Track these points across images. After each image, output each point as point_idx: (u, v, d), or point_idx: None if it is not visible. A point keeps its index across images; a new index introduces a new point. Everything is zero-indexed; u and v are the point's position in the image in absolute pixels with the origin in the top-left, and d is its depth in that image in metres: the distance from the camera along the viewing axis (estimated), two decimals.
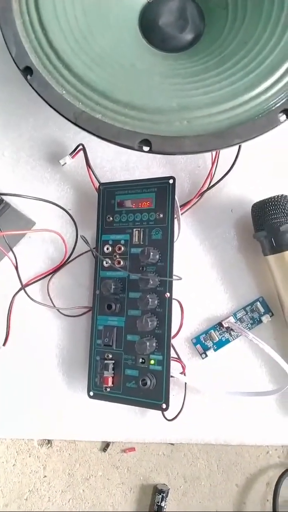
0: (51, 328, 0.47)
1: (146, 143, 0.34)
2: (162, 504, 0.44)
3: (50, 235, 0.47)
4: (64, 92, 0.35)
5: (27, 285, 0.46)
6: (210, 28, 0.40)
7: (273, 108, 0.34)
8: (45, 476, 0.45)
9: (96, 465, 0.45)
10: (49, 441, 0.46)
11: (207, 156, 0.46)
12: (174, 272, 0.41)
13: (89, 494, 0.45)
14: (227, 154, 0.45)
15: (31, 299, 0.45)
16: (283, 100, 0.34)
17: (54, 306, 0.46)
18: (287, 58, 0.35)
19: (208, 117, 0.34)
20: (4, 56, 0.49)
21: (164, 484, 0.45)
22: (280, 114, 0.34)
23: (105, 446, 0.45)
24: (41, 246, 0.48)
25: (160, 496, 0.44)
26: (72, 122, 0.34)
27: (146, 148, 0.34)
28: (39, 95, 0.35)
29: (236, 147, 0.44)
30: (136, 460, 0.45)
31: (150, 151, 0.34)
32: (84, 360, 0.46)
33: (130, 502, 0.44)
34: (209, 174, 0.45)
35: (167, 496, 0.44)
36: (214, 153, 0.44)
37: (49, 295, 0.47)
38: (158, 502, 0.44)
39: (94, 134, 0.34)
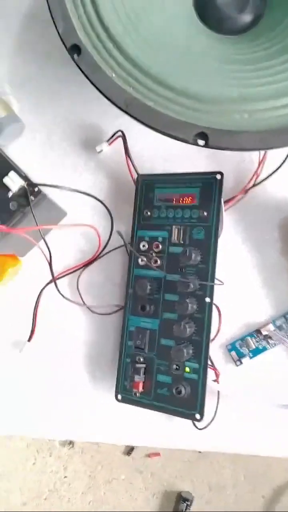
0: (79, 324, 0.45)
1: (202, 137, 0.31)
2: None
3: (81, 227, 0.45)
4: (114, 75, 0.32)
5: (57, 278, 0.44)
6: (272, 8, 0.37)
7: None
8: (66, 477, 0.44)
9: (119, 469, 0.43)
10: (71, 442, 0.44)
11: (253, 154, 0.43)
12: (216, 277, 0.39)
13: (111, 497, 0.43)
14: (274, 152, 0.41)
15: (61, 295, 0.42)
16: None
17: (84, 303, 0.43)
18: None
19: (273, 111, 0.31)
20: (45, 31, 0.46)
21: (189, 492, 0.44)
22: None
23: (129, 450, 0.44)
24: (72, 238, 0.45)
25: (185, 504, 0.42)
26: (123, 110, 0.31)
27: (201, 142, 0.31)
28: (87, 77, 0.31)
29: None
30: (160, 466, 0.44)
31: (206, 146, 0.31)
32: (112, 360, 0.44)
33: (152, 508, 0.43)
34: (256, 171, 0.42)
35: (191, 504, 0.43)
36: (262, 151, 0.41)
37: (78, 290, 0.44)
38: (182, 510, 0.42)
39: (145, 124, 0.31)
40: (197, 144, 0.31)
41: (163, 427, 0.43)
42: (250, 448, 0.43)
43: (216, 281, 0.38)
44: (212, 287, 0.38)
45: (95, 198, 0.44)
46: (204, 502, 0.43)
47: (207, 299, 0.38)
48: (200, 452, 0.44)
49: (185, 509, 0.43)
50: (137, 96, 0.31)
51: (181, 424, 0.43)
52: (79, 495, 0.44)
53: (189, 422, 0.40)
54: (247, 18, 0.37)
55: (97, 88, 0.31)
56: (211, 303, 0.38)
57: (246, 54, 0.35)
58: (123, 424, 0.44)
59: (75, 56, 0.32)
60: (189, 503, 0.43)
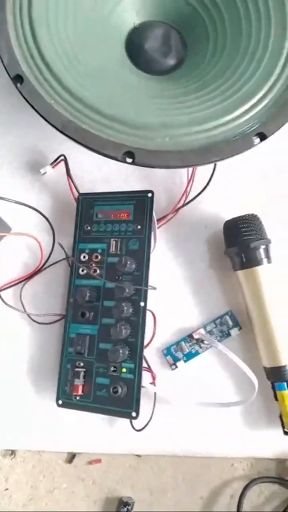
0: (22, 335, 0.47)
1: (129, 155, 0.36)
2: None
3: (25, 241, 0.47)
4: (53, 102, 0.36)
5: (0, 290, 0.46)
6: (192, 56, 0.43)
7: (248, 131, 0.37)
8: (7, 489, 0.44)
9: (61, 477, 0.44)
10: (12, 452, 0.45)
11: (183, 174, 0.48)
12: (149, 284, 0.42)
13: (53, 507, 0.44)
14: (202, 173, 0.47)
15: (5, 302, 0.44)
16: (257, 125, 0.37)
17: (25, 311, 0.45)
18: (261, 88, 0.38)
19: (189, 135, 0.36)
20: None
21: (130, 497, 0.45)
22: (255, 137, 0.37)
23: (71, 457, 0.45)
24: (15, 251, 0.48)
25: (125, 508, 0.44)
26: (60, 131, 0.36)
27: (129, 160, 0.36)
28: (28, 103, 0.36)
29: (212, 166, 0.46)
30: (102, 472, 0.45)
31: (133, 163, 0.35)
32: (54, 369, 0.45)
33: None
34: (184, 191, 0.47)
35: (132, 508, 0.44)
36: (190, 171, 0.46)
37: (21, 301, 0.46)
38: None
39: (80, 144, 0.35)
40: (125, 161, 0.36)
41: (104, 433, 0.45)
42: (187, 450, 0.45)
43: (149, 287, 0.42)
44: (146, 292, 0.42)
45: (38, 211, 0.47)
46: (145, 506, 0.45)
47: (142, 303, 0.42)
48: (139, 456, 0.45)
49: None
50: (73, 120, 0.36)
51: (121, 428, 0.45)
52: (20, 507, 0.44)
53: (128, 426, 0.42)
54: (171, 62, 0.44)
55: (37, 112, 0.36)
56: (145, 307, 0.42)
57: (169, 90, 0.41)
58: (64, 432, 0.45)
59: (18, 84, 0.36)
60: (129, 507, 0.44)
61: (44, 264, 0.47)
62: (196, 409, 0.44)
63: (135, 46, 0.44)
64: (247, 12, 0.40)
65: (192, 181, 0.47)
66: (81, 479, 0.45)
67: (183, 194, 0.47)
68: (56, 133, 0.48)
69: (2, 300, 0.45)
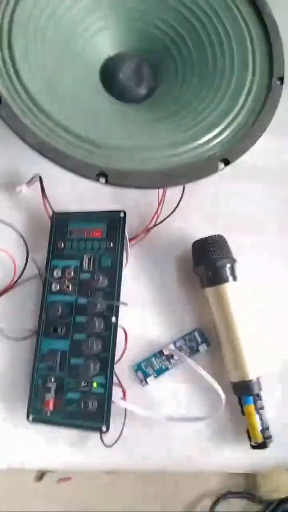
0: None
1: (102, 175, 0.38)
2: None
3: None
4: (30, 123, 0.38)
5: None
6: (162, 87, 0.47)
7: (214, 157, 0.40)
8: None
9: (29, 498, 0.43)
10: None
11: (154, 197, 0.50)
12: (121, 300, 0.44)
13: None
14: (173, 195, 0.49)
15: None
16: (222, 152, 0.40)
17: None
18: (224, 118, 0.41)
19: (159, 159, 0.39)
20: None
21: None
22: (220, 163, 0.39)
23: (40, 475, 0.44)
24: None
25: None
26: (37, 150, 0.37)
27: (102, 180, 0.37)
28: (6, 123, 0.37)
29: (181, 189, 0.49)
30: (73, 491, 0.45)
31: (106, 183, 0.37)
32: (24, 386, 0.45)
33: None
34: (155, 212, 0.49)
35: None
36: (161, 193, 0.49)
37: None
38: None
39: (56, 163, 0.37)
40: (98, 181, 0.38)
41: (74, 450, 0.45)
42: (158, 466, 0.45)
43: (121, 302, 0.44)
44: (117, 308, 0.43)
45: (11, 226, 0.48)
46: None
47: (113, 319, 0.43)
48: (111, 474, 0.45)
49: None
50: (48, 141, 0.38)
51: (91, 445, 0.45)
52: None
53: (99, 443, 0.42)
54: (142, 91, 0.47)
55: (14, 132, 0.37)
56: (116, 322, 0.43)
57: (141, 116, 0.43)
58: (33, 449, 0.45)
59: None
60: None
61: (17, 280, 0.48)
62: (167, 424, 0.45)
63: (108, 76, 0.46)
64: (213, 51, 0.43)
65: (163, 203, 0.49)
66: (51, 499, 0.44)
67: (154, 215, 0.49)
68: (31, 154, 0.50)
69: None
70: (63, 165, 0.37)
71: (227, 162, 0.39)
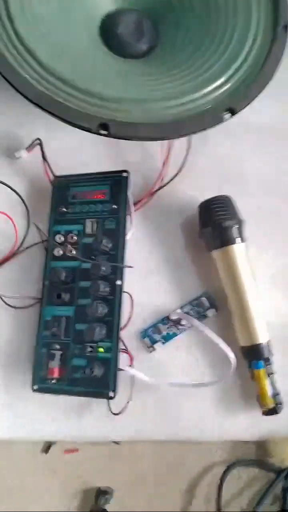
0: None
1: (104, 127, 0.36)
2: (106, 507, 0.42)
3: None
4: (27, 76, 0.37)
5: None
6: (164, 41, 0.45)
7: (219, 106, 0.38)
8: None
9: (35, 470, 0.42)
10: None
11: (159, 159, 0.49)
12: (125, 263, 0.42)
13: (24, 503, 0.42)
14: (177, 157, 0.48)
15: None
16: (227, 101, 0.38)
17: None
18: (229, 68, 0.39)
19: (162, 110, 0.37)
20: None
21: (108, 486, 0.43)
22: (225, 112, 0.38)
23: (47, 447, 0.43)
24: None
25: (104, 498, 0.42)
26: (34, 103, 0.36)
27: (104, 132, 0.36)
28: (3, 77, 0.36)
29: (185, 148, 0.47)
30: (78, 462, 0.43)
31: (108, 135, 0.36)
32: (28, 356, 0.44)
33: (72, 507, 0.42)
34: (160, 174, 0.48)
35: (111, 498, 0.43)
36: (165, 154, 0.47)
37: None
38: (102, 505, 0.42)
39: (55, 115, 0.36)
40: (99, 133, 0.36)
41: (80, 420, 0.44)
42: (166, 434, 0.44)
43: (126, 266, 0.42)
44: (122, 270, 0.42)
45: (11, 188, 0.46)
46: (124, 495, 0.43)
47: (118, 282, 0.42)
48: (117, 443, 0.44)
49: (105, 503, 0.42)
50: (47, 93, 0.36)
51: (98, 414, 0.43)
52: None
53: (104, 411, 0.41)
54: (143, 46, 0.45)
55: (11, 84, 0.36)
56: (121, 285, 0.42)
57: (142, 70, 0.42)
58: (38, 420, 0.44)
59: None
60: (108, 496, 0.42)
61: (19, 247, 0.46)
62: (174, 391, 0.44)
63: (108, 31, 0.44)
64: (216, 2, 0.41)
65: (167, 163, 0.47)
66: (55, 471, 0.43)
67: (158, 177, 0.48)
68: (30, 119, 0.48)
69: None
70: (63, 118, 0.36)
71: (232, 112, 0.37)
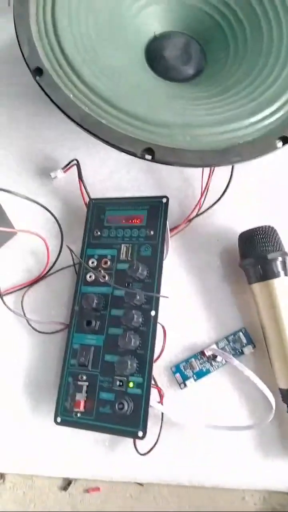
0: (21, 345, 0.43)
1: (149, 152, 0.34)
2: None
3: (31, 245, 0.45)
4: (72, 96, 0.36)
5: (2, 295, 0.43)
6: (211, 64, 0.43)
7: (271, 134, 0.36)
8: None
9: (54, 506, 0.39)
10: (1, 476, 0.41)
11: (197, 185, 0.47)
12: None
13: None
14: (216, 185, 0.46)
15: (7, 306, 0.42)
16: (281, 129, 0.36)
17: (25, 315, 0.42)
18: (284, 92, 0.37)
19: (210, 136, 0.35)
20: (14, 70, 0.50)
21: None
22: (278, 141, 0.36)
23: (66, 484, 0.40)
24: (19, 255, 0.46)
25: None
26: (78, 124, 0.34)
27: (148, 157, 0.34)
28: (47, 95, 0.35)
29: (227, 178, 0.45)
30: (99, 502, 0.40)
31: (152, 160, 0.34)
32: (53, 383, 0.42)
33: None
34: (198, 201, 0.46)
35: None
36: (204, 181, 0.45)
37: (22, 308, 0.44)
38: None
39: (98, 137, 0.34)
40: (144, 158, 0.34)
41: (104, 458, 0.41)
42: (194, 479, 0.41)
43: (161, 296, 0.40)
44: (157, 301, 0.40)
45: (46, 209, 0.45)
46: None
47: (153, 312, 0.39)
48: (142, 485, 0.41)
49: None
50: (91, 114, 0.35)
51: (122, 453, 0.41)
52: None
53: (130, 451, 0.38)
54: (190, 71, 0.44)
55: (55, 104, 0.34)
56: (156, 316, 0.39)
57: (189, 94, 0.40)
58: (60, 455, 0.41)
59: (37, 77, 0.35)
60: None
61: (50, 269, 0.44)
62: (205, 432, 0.40)
63: (154, 53, 0.43)
64: (267, 20, 0.40)
65: (207, 191, 0.46)
66: (77, 509, 0.40)
67: (196, 204, 0.46)
68: (67, 139, 0.47)
69: (5, 304, 0.42)
70: (106, 140, 0.34)
71: (286, 140, 0.35)
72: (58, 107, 0.34)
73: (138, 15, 0.42)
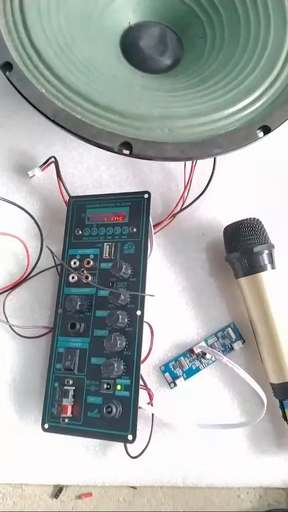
0: (4, 350, 0.42)
1: (126, 146, 0.33)
2: None
3: (9, 247, 0.44)
4: (43, 90, 0.34)
5: None
6: (189, 54, 0.42)
7: (252, 124, 0.35)
8: None
9: None
10: None
11: (180, 180, 0.46)
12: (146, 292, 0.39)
13: None
14: (199, 179, 0.45)
15: None
16: (261, 118, 0.35)
17: (7, 321, 0.41)
18: (263, 83, 0.36)
19: (190, 128, 0.34)
20: None
21: None
22: (258, 131, 0.35)
23: (57, 491, 0.39)
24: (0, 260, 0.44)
25: None
26: (51, 120, 0.33)
27: (126, 151, 0.33)
28: (18, 91, 0.33)
29: (209, 171, 0.44)
30: (92, 508, 0.39)
31: (130, 155, 0.33)
32: (39, 390, 0.41)
33: None
34: (181, 196, 0.44)
35: None
36: (187, 175, 0.44)
37: (4, 313, 0.42)
38: None
39: (73, 133, 0.33)
40: (122, 153, 0.33)
41: (94, 462, 0.40)
42: (188, 479, 0.40)
43: (147, 295, 0.39)
44: (143, 300, 0.39)
45: (25, 210, 0.43)
46: None
47: (138, 312, 0.38)
48: (135, 488, 0.40)
49: None
50: (65, 109, 0.33)
51: (113, 456, 0.40)
52: None
53: (122, 454, 0.37)
54: (167, 61, 0.42)
55: (27, 100, 0.33)
56: (142, 316, 0.38)
57: (167, 85, 0.39)
58: (50, 461, 0.40)
59: (7, 72, 0.34)
60: None
61: (31, 272, 0.43)
62: (197, 432, 0.40)
63: (130, 44, 0.42)
64: (245, 9, 0.39)
65: (190, 185, 0.44)
66: None
67: (180, 199, 0.44)
68: (43, 136, 0.46)
69: None
70: (81, 135, 0.33)
71: (267, 130, 0.34)
72: (30, 103, 0.33)
73: (112, 4, 0.41)
